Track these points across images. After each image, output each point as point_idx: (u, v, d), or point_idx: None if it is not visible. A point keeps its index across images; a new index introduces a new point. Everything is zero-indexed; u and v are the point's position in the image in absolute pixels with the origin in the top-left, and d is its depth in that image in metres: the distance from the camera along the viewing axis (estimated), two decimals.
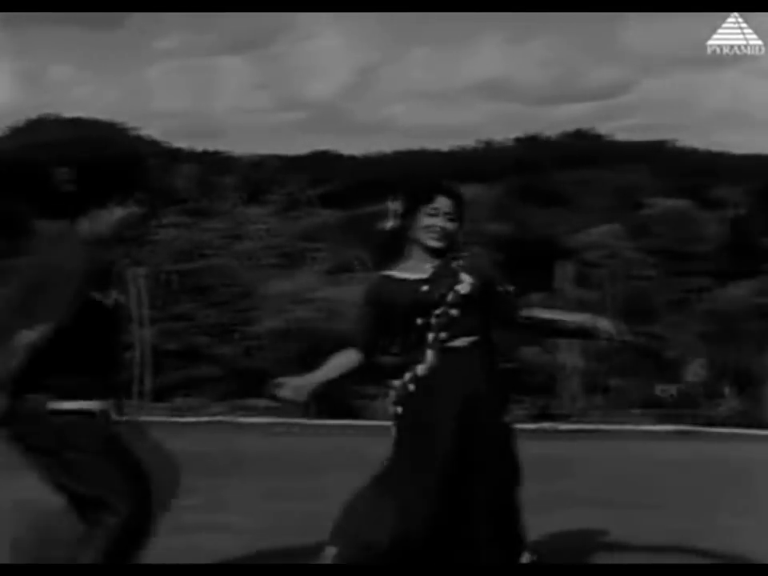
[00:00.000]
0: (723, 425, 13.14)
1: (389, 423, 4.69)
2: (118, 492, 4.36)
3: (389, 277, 4.68)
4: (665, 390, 15.20)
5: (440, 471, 4.38)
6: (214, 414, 13.40)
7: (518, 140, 60.68)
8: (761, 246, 19.57)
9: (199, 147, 50.46)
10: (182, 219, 16.13)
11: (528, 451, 11.79)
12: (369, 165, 54.64)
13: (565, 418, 13.83)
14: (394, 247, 4.66)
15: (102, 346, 4.44)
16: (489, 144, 60.80)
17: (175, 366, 14.66)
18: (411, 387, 4.49)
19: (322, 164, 47.75)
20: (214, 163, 20.91)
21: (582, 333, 4.70)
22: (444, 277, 4.60)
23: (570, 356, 15.34)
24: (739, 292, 17.72)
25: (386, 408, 4.64)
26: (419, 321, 4.56)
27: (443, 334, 4.51)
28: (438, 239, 4.63)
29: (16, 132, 38.92)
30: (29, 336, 4.21)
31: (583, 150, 54.80)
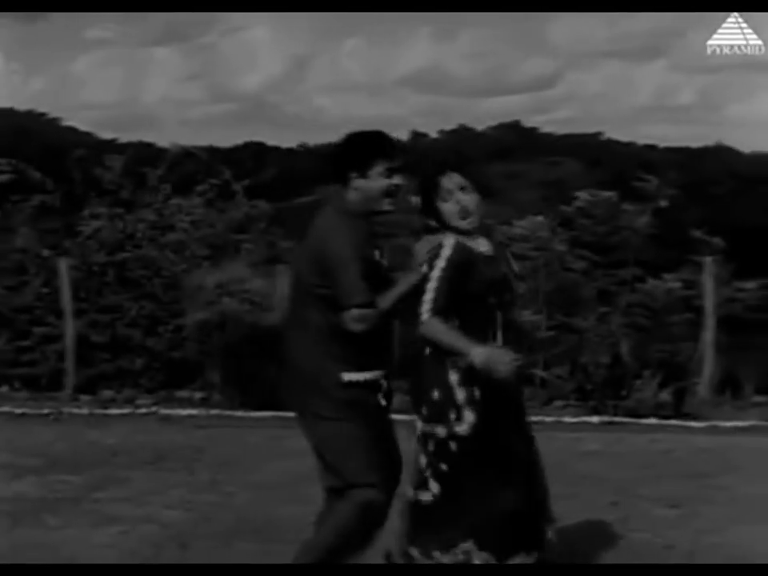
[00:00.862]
0: (648, 416, 13.28)
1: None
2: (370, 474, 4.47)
3: (468, 247, 4.57)
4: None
5: (518, 451, 4.48)
6: (141, 406, 13.32)
7: (447, 132, 60.87)
8: (688, 237, 19.79)
9: (128, 138, 50.11)
10: (109, 210, 15.97)
11: None
12: (299, 156, 54.54)
13: None
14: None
15: None
16: (418, 136, 60.90)
17: (102, 358, 14.55)
18: None
19: (251, 156, 47.59)
20: (143, 154, 20.69)
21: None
22: (500, 253, 4.63)
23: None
24: (667, 284, 17.89)
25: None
26: (492, 299, 4.50)
27: (508, 313, 4.50)
28: (466, 217, 4.56)
29: None
30: None
31: (512, 142, 55.12)
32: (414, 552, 4.36)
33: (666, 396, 13.75)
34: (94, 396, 14.60)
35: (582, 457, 9.41)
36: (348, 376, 4.43)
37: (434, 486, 4.35)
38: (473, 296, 4.45)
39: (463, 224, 4.50)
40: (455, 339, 4.29)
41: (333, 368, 4.46)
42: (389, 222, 5.45)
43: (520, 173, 53.58)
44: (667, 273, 18.55)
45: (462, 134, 58.99)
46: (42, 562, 5.84)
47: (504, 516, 4.26)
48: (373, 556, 4.59)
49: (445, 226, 4.54)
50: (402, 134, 59.11)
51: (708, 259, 17.19)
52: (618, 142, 79.49)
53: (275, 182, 20.72)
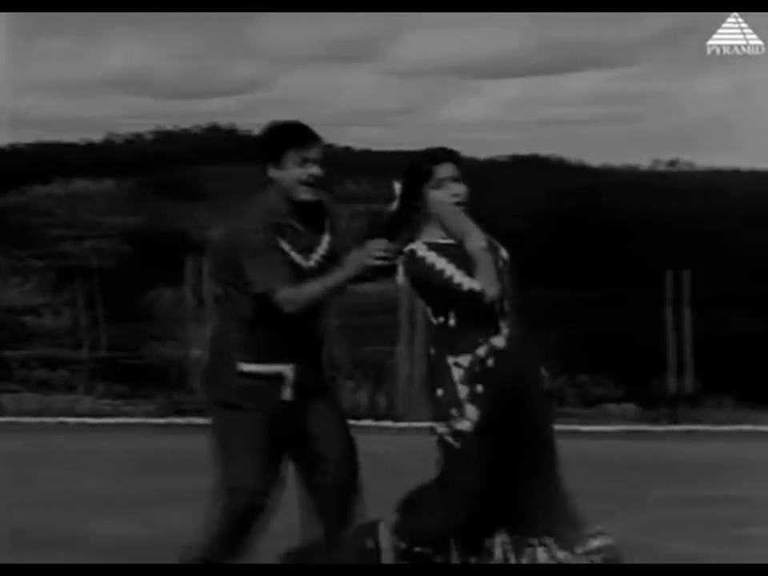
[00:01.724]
0: (357, 417, 13.23)
1: None
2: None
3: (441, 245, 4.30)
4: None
5: (531, 446, 4.24)
6: None
7: (152, 133, 59.94)
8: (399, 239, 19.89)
9: None
10: None
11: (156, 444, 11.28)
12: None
13: (198, 412, 13.58)
14: (401, 229, 4.32)
15: None
16: (122, 137, 59.79)
17: None
18: (490, 362, 4.16)
19: None
20: None
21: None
22: (492, 243, 4.33)
23: (203, 350, 15.09)
24: (375, 286, 17.87)
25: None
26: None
27: (508, 303, 4.26)
28: (462, 205, 4.32)
29: None
30: None
31: (219, 144, 54.65)
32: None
33: (375, 397, 13.71)
34: None
35: None
36: (246, 367, 4.35)
37: None
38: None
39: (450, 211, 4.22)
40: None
41: (233, 356, 4.38)
42: None
43: (225, 175, 53.23)
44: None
45: (168, 135, 58.16)
46: None
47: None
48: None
49: (426, 216, 4.28)
50: (102, 135, 57.97)
51: None
52: (330, 146, 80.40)
53: None
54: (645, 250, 27.83)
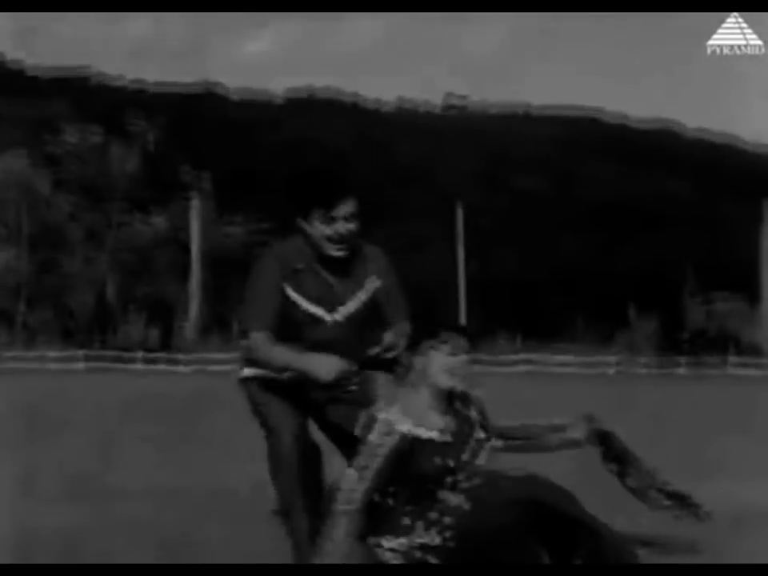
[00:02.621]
0: (135, 357, 13.09)
1: None
2: None
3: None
4: None
5: None
6: None
7: None
8: (177, 178, 19.70)
9: None
10: None
11: None
12: None
13: None
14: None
15: None
16: None
17: None
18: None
19: None
20: None
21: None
22: None
23: None
24: (154, 224, 17.75)
25: None
26: None
27: None
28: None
29: None
30: None
31: None
32: None
33: (152, 336, 13.62)
34: None
35: (66, 402, 9.08)
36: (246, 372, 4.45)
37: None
38: None
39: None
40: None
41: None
42: None
43: (2, 111, 51.47)
44: (154, 213, 18.35)
45: None
46: None
47: None
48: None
49: None
50: None
51: (194, 197, 17.12)
52: (108, 85, 78.52)
53: None
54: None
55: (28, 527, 5.62)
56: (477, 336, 14.82)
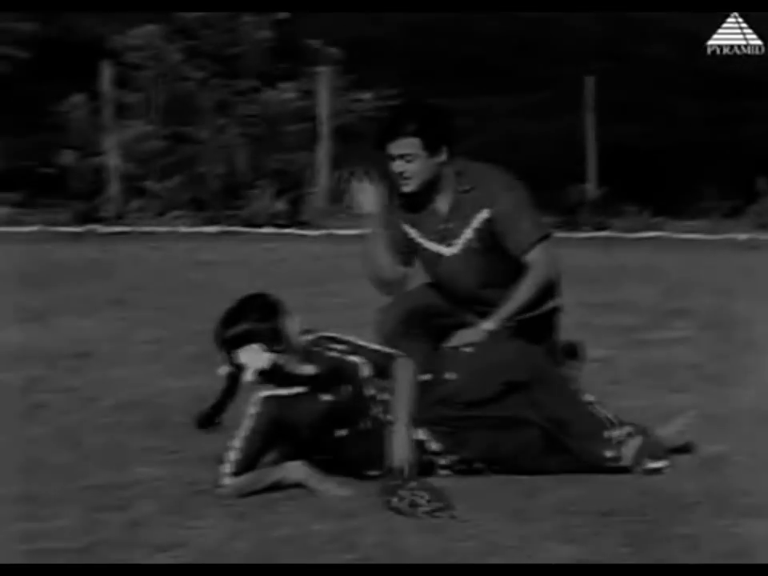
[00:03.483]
0: (263, 225, 13.28)
1: None
2: None
3: None
4: None
5: None
6: None
7: None
8: (305, 48, 19.71)
9: None
10: None
11: (71, 254, 11.32)
12: None
13: (108, 220, 13.58)
14: None
15: None
16: None
17: None
18: None
19: None
20: None
21: None
22: None
23: (112, 158, 14.98)
24: (282, 94, 17.78)
25: None
26: None
27: None
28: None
29: None
30: None
31: None
32: None
33: (281, 205, 13.80)
34: None
35: (198, 267, 9.32)
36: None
37: None
38: None
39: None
40: None
41: None
42: None
43: None
44: (284, 83, 18.48)
45: None
46: None
47: None
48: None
49: None
50: None
51: (323, 69, 17.21)
52: None
53: None
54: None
55: (164, 388, 5.86)
56: (605, 209, 14.69)
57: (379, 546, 3.56)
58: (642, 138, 21.11)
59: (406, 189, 4.56)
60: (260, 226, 12.55)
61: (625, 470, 4.28)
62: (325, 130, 16.74)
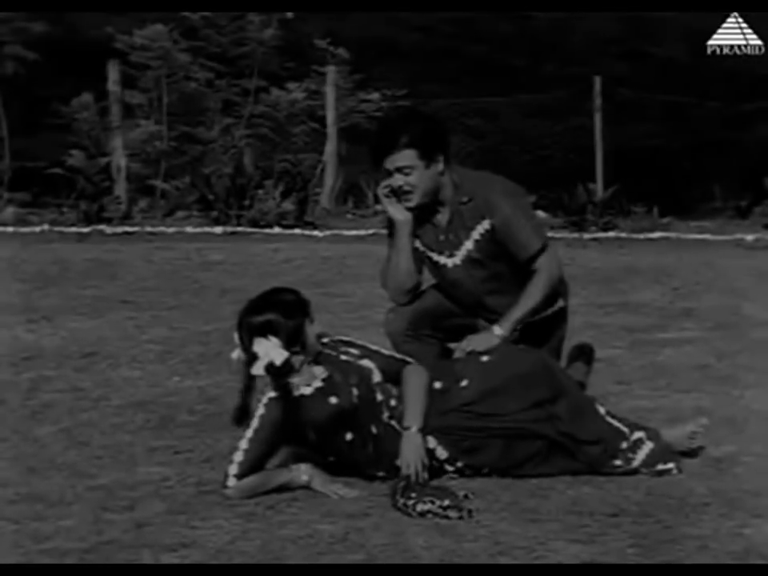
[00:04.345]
0: (270, 225, 13.27)
1: None
2: None
3: None
4: None
5: None
6: None
7: None
8: (312, 48, 19.69)
9: None
10: None
11: (78, 255, 11.36)
12: None
13: (115, 221, 13.58)
14: None
15: None
16: None
17: None
18: None
19: None
20: None
21: None
22: None
23: (119, 158, 14.98)
24: (290, 94, 17.75)
25: None
26: None
27: None
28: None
29: None
30: None
31: None
32: None
33: (288, 206, 13.79)
34: None
35: (205, 267, 9.31)
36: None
37: None
38: None
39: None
40: None
41: None
42: None
43: None
44: (291, 83, 18.46)
45: None
46: None
47: None
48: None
49: None
50: None
51: (331, 69, 17.20)
52: None
53: None
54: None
55: (172, 388, 5.86)
56: (613, 209, 14.64)
57: (386, 547, 3.55)
58: (650, 139, 21.11)
59: (409, 204, 4.57)
60: (267, 226, 12.53)
61: (634, 472, 4.25)
62: (332, 130, 16.74)
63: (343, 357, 4.19)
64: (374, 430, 4.17)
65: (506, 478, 4.22)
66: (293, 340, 4.13)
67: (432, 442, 4.17)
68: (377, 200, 15.06)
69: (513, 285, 4.63)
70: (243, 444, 4.10)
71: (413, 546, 3.53)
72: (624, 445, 4.21)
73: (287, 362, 4.13)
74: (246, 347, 4.16)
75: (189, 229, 12.44)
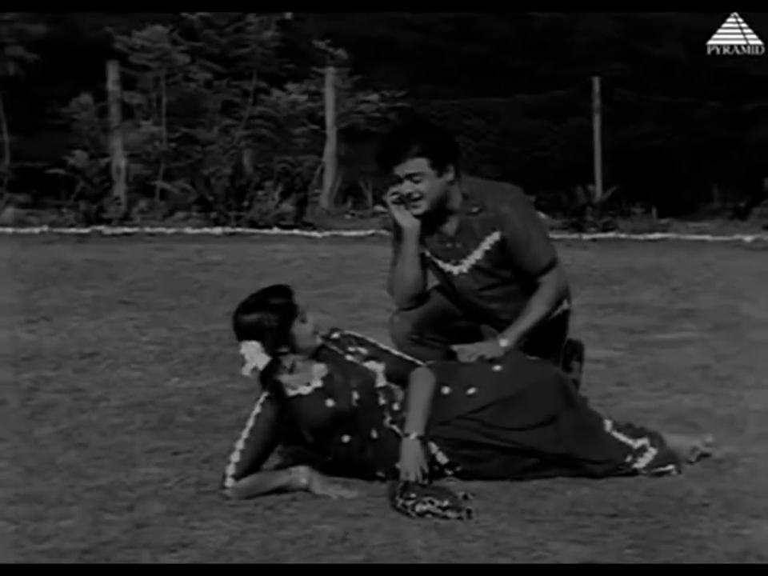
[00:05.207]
0: (269, 226, 13.28)
1: None
2: None
3: None
4: None
5: None
6: None
7: None
8: (312, 49, 19.71)
9: None
10: None
11: (77, 256, 11.40)
12: None
13: (114, 222, 13.59)
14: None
15: None
16: None
17: None
18: None
19: None
20: None
21: None
22: None
23: (118, 159, 14.97)
24: (290, 95, 17.75)
25: None
26: None
27: None
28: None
29: None
30: None
31: None
32: None
33: (287, 206, 13.79)
34: None
35: (204, 268, 9.31)
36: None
37: None
38: None
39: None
40: None
41: None
42: None
43: None
44: (290, 84, 18.47)
45: None
46: None
47: None
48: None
49: None
50: None
51: (330, 70, 17.20)
52: None
53: None
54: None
55: (171, 389, 5.86)
56: (612, 210, 14.65)
57: (386, 547, 3.55)
58: (649, 139, 21.13)
59: (417, 211, 4.58)
60: (266, 227, 12.53)
61: (633, 473, 4.26)
62: (331, 131, 16.74)
63: (349, 357, 4.17)
64: (373, 434, 4.16)
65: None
66: (278, 342, 4.11)
67: (433, 448, 4.16)
68: (376, 201, 15.04)
69: (517, 290, 4.66)
70: (240, 444, 4.10)
71: (412, 547, 3.53)
72: (629, 459, 4.23)
73: (272, 365, 4.13)
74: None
75: (188, 230, 12.46)
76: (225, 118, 18.75)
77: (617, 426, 4.32)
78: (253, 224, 12.77)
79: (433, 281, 4.96)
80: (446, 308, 4.75)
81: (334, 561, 3.40)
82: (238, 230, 12.38)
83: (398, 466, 4.11)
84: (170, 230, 12.27)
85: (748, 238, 12.27)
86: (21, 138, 17.89)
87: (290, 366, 4.16)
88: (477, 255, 4.63)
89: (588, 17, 21.43)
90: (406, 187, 4.55)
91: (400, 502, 3.90)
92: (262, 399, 4.21)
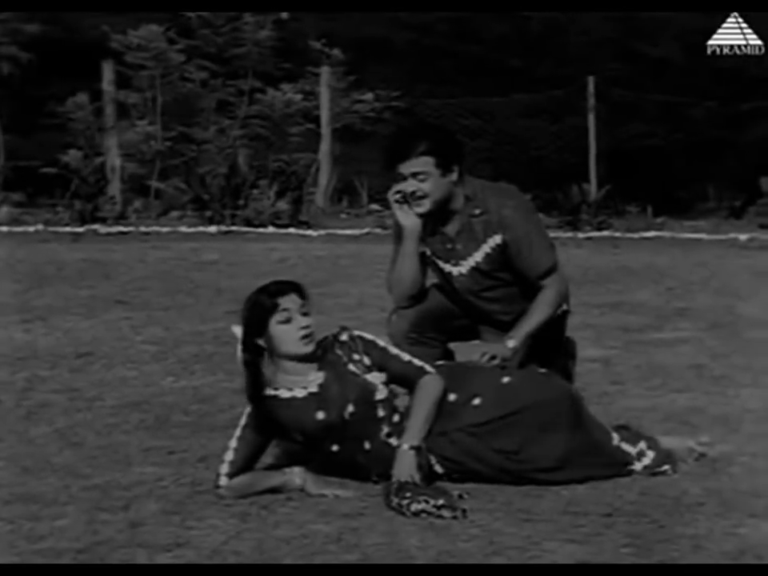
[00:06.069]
0: (265, 225, 13.27)
1: None
2: None
3: None
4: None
5: None
6: None
7: None
8: (307, 49, 19.71)
9: None
10: None
11: (73, 255, 11.42)
12: None
13: (109, 221, 13.58)
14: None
15: None
16: None
17: None
18: None
19: None
20: None
21: None
22: None
23: (113, 158, 14.97)
24: (285, 95, 17.76)
25: None
26: None
27: None
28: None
29: None
30: None
31: None
32: None
33: (283, 205, 13.80)
34: None
35: (199, 267, 9.31)
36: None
37: None
38: None
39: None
40: None
41: None
42: None
43: None
44: (286, 84, 18.47)
45: None
46: None
47: None
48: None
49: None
50: None
51: (325, 70, 17.20)
52: None
53: None
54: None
55: (166, 389, 5.86)
56: (607, 208, 14.66)
57: (381, 547, 3.55)
58: (644, 139, 21.16)
59: (420, 210, 4.58)
60: (261, 225, 12.54)
61: (629, 473, 4.26)
62: (326, 130, 16.74)
63: (351, 366, 4.13)
64: (366, 445, 4.14)
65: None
66: (249, 334, 4.11)
67: (432, 459, 4.15)
68: (371, 200, 15.05)
69: (516, 292, 4.68)
70: (233, 443, 4.09)
71: (407, 546, 3.53)
72: (630, 467, 4.23)
73: (251, 362, 4.12)
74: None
75: (183, 228, 12.46)
76: (220, 117, 18.76)
77: (623, 437, 4.31)
78: (248, 223, 12.79)
79: (432, 278, 4.95)
80: (444, 307, 4.76)
81: (329, 560, 3.40)
82: (233, 228, 12.39)
83: (391, 472, 4.09)
84: (165, 229, 12.28)
85: (743, 237, 12.28)
86: (16, 137, 17.90)
87: (276, 368, 4.14)
88: (477, 257, 4.64)
89: (584, 17, 21.45)
90: (411, 185, 4.56)
91: (395, 501, 3.89)
92: None
